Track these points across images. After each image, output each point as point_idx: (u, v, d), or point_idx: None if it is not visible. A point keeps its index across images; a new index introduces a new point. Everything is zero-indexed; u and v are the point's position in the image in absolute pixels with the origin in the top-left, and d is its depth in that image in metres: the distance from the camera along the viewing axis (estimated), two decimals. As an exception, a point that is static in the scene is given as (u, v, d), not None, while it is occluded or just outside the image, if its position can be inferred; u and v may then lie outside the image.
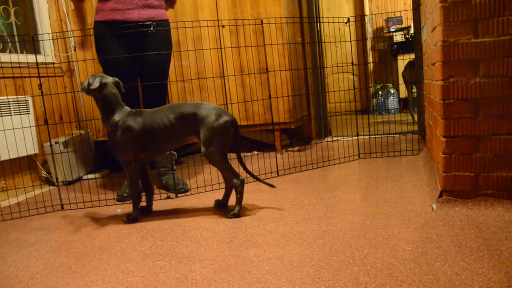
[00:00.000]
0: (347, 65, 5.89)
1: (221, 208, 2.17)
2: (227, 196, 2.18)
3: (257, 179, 2.10)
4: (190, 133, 2.01)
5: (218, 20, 3.49)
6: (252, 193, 2.38)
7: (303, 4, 3.99)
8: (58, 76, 3.37)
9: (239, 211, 2.01)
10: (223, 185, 2.62)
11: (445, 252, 1.44)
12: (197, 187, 2.61)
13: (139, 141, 2.02)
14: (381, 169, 2.71)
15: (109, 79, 2.08)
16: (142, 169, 2.16)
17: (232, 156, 2.24)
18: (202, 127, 1.96)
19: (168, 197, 2.47)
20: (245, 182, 2.11)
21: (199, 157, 3.67)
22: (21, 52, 3.11)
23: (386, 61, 6.21)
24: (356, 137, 3.58)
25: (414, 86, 4.50)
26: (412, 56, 4.03)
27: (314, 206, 2.07)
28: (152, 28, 2.43)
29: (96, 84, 2.01)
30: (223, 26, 3.45)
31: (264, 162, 3.22)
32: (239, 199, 2.02)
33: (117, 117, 2.03)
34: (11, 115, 2.78)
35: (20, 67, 2.88)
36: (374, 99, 5.88)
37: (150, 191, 2.22)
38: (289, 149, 3.72)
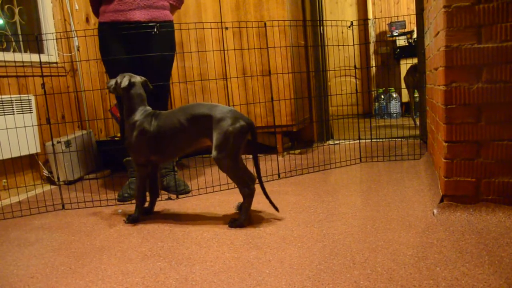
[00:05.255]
0: (349, 69, 5.90)
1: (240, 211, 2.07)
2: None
3: (264, 191, 1.98)
4: (204, 135, 1.94)
5: (221, 22, 3.50)
6: (253, 195, 2.38)
7: (307, 7, 4.00)
8: (61, 76, 3.38)
9: (245, 221, 1.91)
10: (224, 187, 2.62)
11: (445, 257, 1.43)
12: (198, 189, 2.61)
13: (154, 143, 2.00)
14: (382, 173, 2.70)
15: (138, 79, 2.09)
16: (152, 171, 2.15)
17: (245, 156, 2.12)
18: (215, 130, 1.87)
19: (169, 198, 2.47)
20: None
21: (200, 159, 3.67)
22: (25, 52, 3.12)
23: (388, 65, 6.21)
24: (358, 141, 3.58)
25: (416, 90, 4.50)
26: (415, 60, 4.04)
27: (315, 209, 2.07)
28: (155, 29, 2.43)
29: (125, 82, 2.02)
30: (227, 28, 3.45)
31: (266, 164, 3.21)
32: (246, 209, 1.91)
33: (136, 117, 2.03)
34: (13, 114, 2.79)
35: (23, 66, 2.89)
36: (376, 103, 5.88)
37: (156, 194, 2.21)
38: (290, 152, 3.72)
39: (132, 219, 2.08)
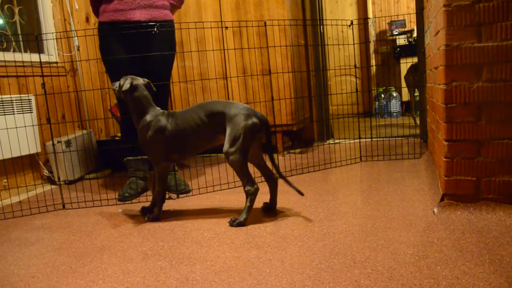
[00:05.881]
0: (349, 68, 5.89)
1: (269, 212, 2.08)
2: (273, 196, 2.08)
3: (288, 182, 1.99)
4: (220, 132, 1.96)
5: (221, 21, 3.50)
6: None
7: (307, 6, 4.00)
8: (61, 76, 3.38)
9: (246, 220, 1.91)
10: (224, 187, 2.62)
11: (446, 256, 1.43)
12: (199, 188, 2.62)
13: (172, 142, 2.01)
14: (382, 172, 2.70)
15: (140, 81, 2.09)
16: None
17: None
18: (228, 126, 1.90)
19: (170, 198, 2.47)
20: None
21: (201, 158, 3.67)
22: (25, 51, 3.12)
23: (388, 64, 6.21)
24: (358, 140, 3.58)
25: (416, 89, 4.50)
26: (415, 59, 4.04)
27: (315, 209, 2.07)
28: (155, 29, 2.43)
29: (127, 85, 2.03)
30: (227, 27, 3.45)
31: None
32: (249, 208, 1.92)
33: (149, 117, 2.03)
34: (14, 113, 2.79)
35: (23, 66, 2.89)
36: (376, 102, 5.88)
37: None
38: (291, 151, 3.72)
39: (153, 218, 2.09)
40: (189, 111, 2.02)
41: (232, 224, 1.91)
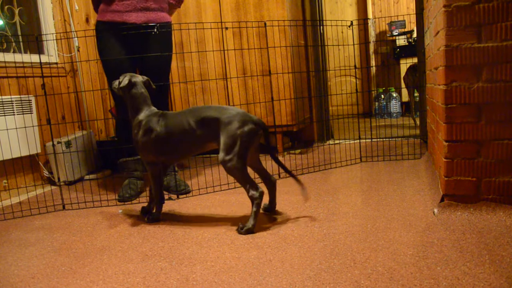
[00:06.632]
0: (349, 68, 5.90)
1: (269, 213, 2.06)
2: (272, 197, 2.06)
3: (293, 176, 1.98)
4: (211, 139, 1.90)
5: (221, 22, 3.50)
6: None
7: (306, 7, 4.00)
8: (61, 76, 3.38)
9: (254, 226, 1.82)
10: (224, 187, 2.62)
11: (446, 256, 1.43)
12: (199, 189, 2.61)
13: (160, 144, 1.97)
14: (382, 172, 2.70)
15: (139, 78, 2.08)
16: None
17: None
18: (223, 133, 1.83)
19: (170, 198, 2.47)
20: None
21: (201, 159, 3.67)
22: (25, 52, 3.12)
23: (388, 65, 6.21)
24: (358, 141, 3.58)
25: (416, 90, 4.50)
26: (415, 60, 4.04)
27: (315, 209, 2.07)
28: (155, 30, 2.44)
29: (125, 82, 2.03)
30: (226, 28, 3.45)
31: (266, 164, 3.21)
32: (255, 213, 1.82)
33: (141, 116, 2.02)
34: (14, 114, 2.79)
35: (23, 67, 2.89)
36: (376, 103, 5.88)
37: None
38: (291, 151, 3.72)
39: (153, 219, 2.08)
40: (181, 114, 1.96)
41: (241, 231, 1.82)
